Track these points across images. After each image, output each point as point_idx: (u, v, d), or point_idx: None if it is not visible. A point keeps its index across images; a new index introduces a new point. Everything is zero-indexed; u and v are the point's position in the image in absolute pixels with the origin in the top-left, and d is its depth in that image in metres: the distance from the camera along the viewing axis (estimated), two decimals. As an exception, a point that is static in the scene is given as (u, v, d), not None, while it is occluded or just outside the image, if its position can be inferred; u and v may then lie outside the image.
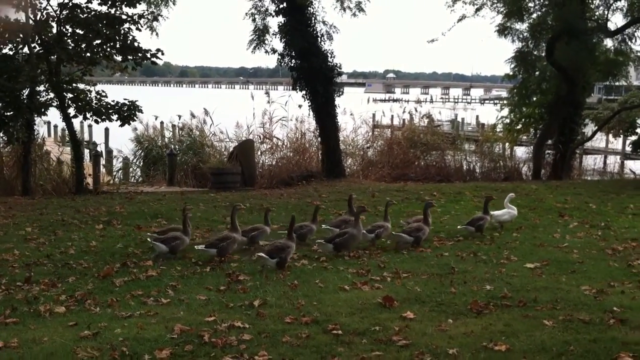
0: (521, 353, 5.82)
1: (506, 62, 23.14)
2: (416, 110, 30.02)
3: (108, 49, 18.34)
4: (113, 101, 18.53)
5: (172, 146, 24.22)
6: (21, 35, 17.73)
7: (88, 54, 18.34)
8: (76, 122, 20.18)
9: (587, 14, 22.04)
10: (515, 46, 22.81)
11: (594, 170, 28.28)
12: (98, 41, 18.09)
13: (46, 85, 18.35)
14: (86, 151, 25.47)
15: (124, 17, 18.09)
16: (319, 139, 22.25)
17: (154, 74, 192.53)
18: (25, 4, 17.60)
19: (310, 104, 21.44)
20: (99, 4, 17.95)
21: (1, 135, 18.44)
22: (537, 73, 23.72)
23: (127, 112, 18.48)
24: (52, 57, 17.97)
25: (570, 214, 13.37)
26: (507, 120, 25.11)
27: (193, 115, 26.73)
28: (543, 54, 22.38)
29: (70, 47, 17.94)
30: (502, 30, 22.58)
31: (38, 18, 17.93)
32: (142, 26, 18.67)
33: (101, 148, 27.51)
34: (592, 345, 5.96)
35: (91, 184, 19.35)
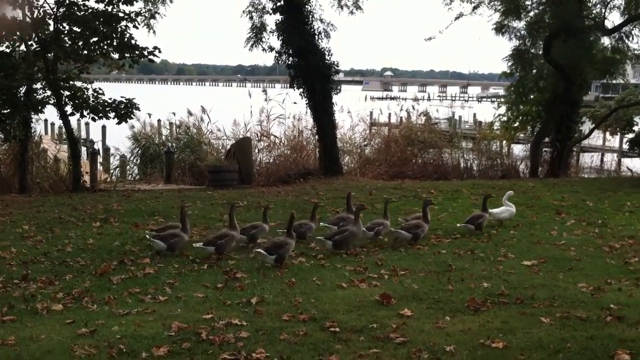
0: (518, 350, 5.82)
1: (503, 60, 23.22)
2: (413, 108, 30.00)
3: (105, 47, 18.34)
4: (110, 99, 18.51)
5: (170, 144, 24.20)
6: (18, 33, 17.68)
7: (85, 52, 18.34)
8: (73, 120, 20.19)
9: (584, 12, 22.08)
10: (513, 44, 22.89)
11: (591, 168, 28.37)
12: (95, 39, 18.09)
13: (43, 83, 18.33)
14: (83, 149, 25.46)
15: (121, 14, 18.09)
16: (317, 136, 22.27)
17: (151, 72, 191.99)
18: (22, 2, 17.59)
19: (307, 101, 21.45)
20: (96, 2, 17.99)
21: (-2, 133, 18.41)
22: (534, 71, 23.77)
23: (124, 110, 18.46)
24: (49, 54, 17.95)
25: (568, 212, 13.39)
26: (505, 118, 25.15)
27: (190, 113, 26.72)
28: (540, 52, 22.42)
29: (67, 45, 17.93)
30: (500, 28, 22.61)
31: (35, 15, 17.91)
32: (139, 24, 18.67)
33: (98, 146, 27.55)
34: (589, 343, 5.97)
35: (88, 182, 19.35)
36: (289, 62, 21.23)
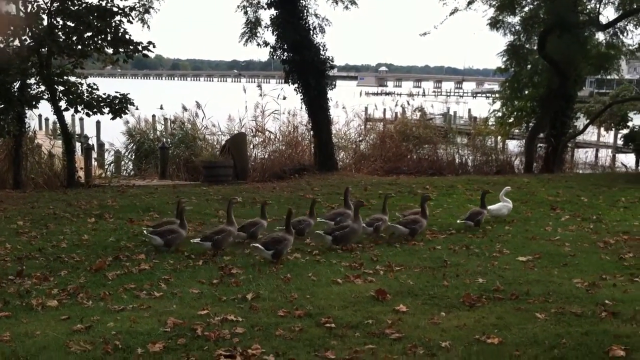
0: (513, 346, 5.84)
1: (498, 56, 23.26)
2: (408, 104, 30.07)
3: (99, 42, 18.22)
4: (104, 94, 18.44)
5: (164, 139, 24.15)
6: (12, 28, 17.58)
7: (79, 47, 18.23)
8: (67, 115, 20.08)
9: (578, 7, 22.10)
10: (507, 39, 22.94)
11: (586, 164, 28.47)
12: (89, 33, 17.98)
13: (37, 78, 18.23)
14: (78, 144, 25.37)
15: (115, 9, 17.98)
16: (312, 132, 22.25)
17: (146, 67, 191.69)
18: (15, -4, 17.48)
19: (302, 97, 21.41)
20: (90, -4, 17.85)
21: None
22: (529, 66, 23.82)
23: (119, 105, 18.38)
24: (43, 49, 17.84)
25: (562, 207, 13.43)
26: (499, 114, 25.20)
27: (185, 109, 26.65)
28: (535, 48, 22.45)
29: (61, 40, 17.82)
30: (494, 24, 22.64)
31: (28, 10, 17.79)
32: (133, 18, 18.56)
33: (93, 141, 27.40)
34: (584, 338, 5.98)
35: (83, 178, 19.30)
36: (284, 57, 21.19)
